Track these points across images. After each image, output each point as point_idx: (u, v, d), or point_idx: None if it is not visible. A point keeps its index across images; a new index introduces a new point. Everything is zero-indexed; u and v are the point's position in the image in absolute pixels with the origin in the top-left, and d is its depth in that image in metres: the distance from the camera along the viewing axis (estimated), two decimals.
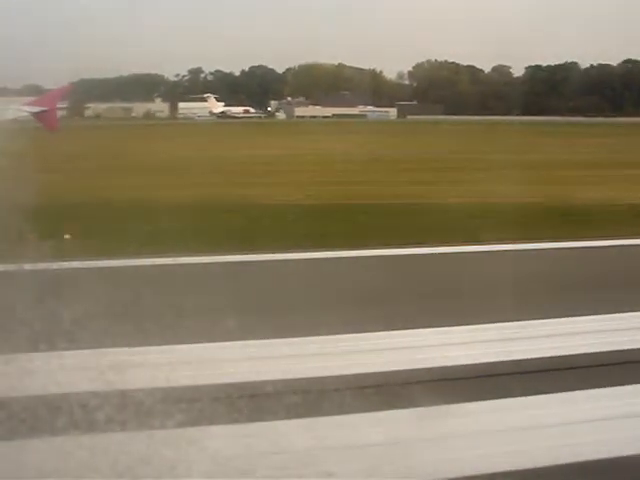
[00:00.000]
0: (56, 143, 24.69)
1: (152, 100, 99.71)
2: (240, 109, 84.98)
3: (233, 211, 12.80)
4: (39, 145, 21.11)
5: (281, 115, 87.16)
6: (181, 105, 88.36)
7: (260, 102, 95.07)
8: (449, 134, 43.93)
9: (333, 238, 10.11)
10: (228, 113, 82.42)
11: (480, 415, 4.28)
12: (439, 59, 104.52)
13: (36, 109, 14.96)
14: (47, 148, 22.63)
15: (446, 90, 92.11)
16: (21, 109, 15.56)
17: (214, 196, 15.16)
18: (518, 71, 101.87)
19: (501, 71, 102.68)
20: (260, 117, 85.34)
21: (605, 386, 4.65)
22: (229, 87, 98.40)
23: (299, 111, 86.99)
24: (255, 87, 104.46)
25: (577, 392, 4.55)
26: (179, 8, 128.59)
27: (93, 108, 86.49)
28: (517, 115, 79.73)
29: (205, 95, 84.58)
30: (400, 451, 3.80)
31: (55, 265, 7.31)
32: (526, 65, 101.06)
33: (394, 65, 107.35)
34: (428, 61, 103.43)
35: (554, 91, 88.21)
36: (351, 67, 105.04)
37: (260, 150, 29.46)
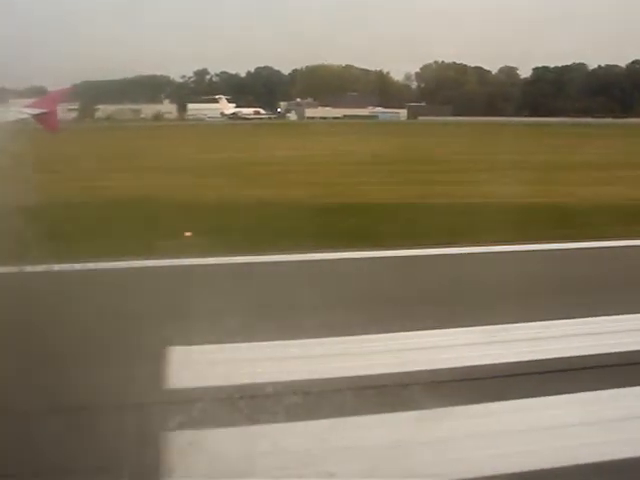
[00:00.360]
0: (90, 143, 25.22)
1: (160, 101, 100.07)
2: (251, 110, 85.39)
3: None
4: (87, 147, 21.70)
5: (292, 116, 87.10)
6: (190, 106, 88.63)
7: (267, 103, 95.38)
8: (464, 135, 43.95)
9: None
10: (239, 114, 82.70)
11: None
12: (446, 60, 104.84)
13: (36, 111, 15.26)
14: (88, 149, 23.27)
15: (454, 91, 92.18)
16: (22, 111, 15.90)
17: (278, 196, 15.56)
18: (525, 72, 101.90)
19: (508, 72, 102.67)
20: (270, 118, 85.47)
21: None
22: (235, 88, 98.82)
23: (309, 112, 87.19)
24: (261, 88, 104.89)
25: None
26: (181, 8, 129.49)
27: (102, 109, 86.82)
28: (526, 116, 79.70)
29: (217, 96, 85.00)
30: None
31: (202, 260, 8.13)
32: (533, 66, 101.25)
33: (400, 66, 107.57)
34: (435, 62, 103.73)
35: (562, 92, 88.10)
36: (358, 68, 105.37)
37: (285, 151, 29.50)
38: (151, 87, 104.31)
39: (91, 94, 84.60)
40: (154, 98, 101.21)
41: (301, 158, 26.68)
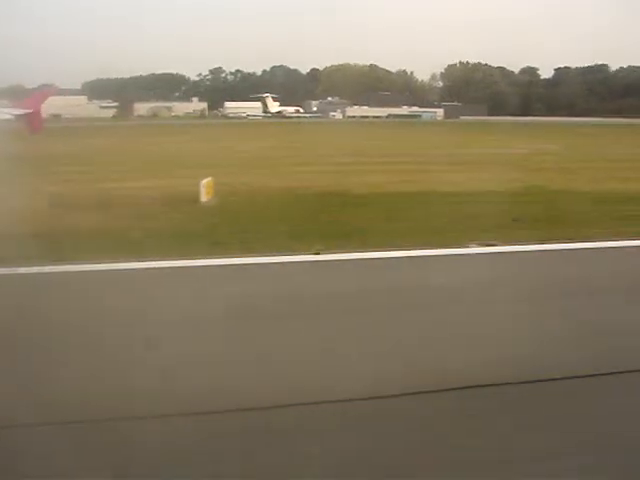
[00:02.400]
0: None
1: (187, 99, 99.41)
2: (292, 109, 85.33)
3: None
4: None
5: (338, 115, 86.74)
6: (227, 104, 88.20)
7: (287, 102, 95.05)
8: (567, 134, 44.17)
9: None
10: (283, 113, 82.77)
11: None
12: (470, 60, 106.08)
13: (20, 111, 15.23)
14: None
15: (484, 91, 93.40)
16: (5, 111, 15.87)
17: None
18: (545, 73, 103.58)
19: (530, 73, 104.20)
20: (306, 117, 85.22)
21: None
22: (251, 87, 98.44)
23: (350, 111, 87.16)
24: (278, 87, 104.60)
25: None
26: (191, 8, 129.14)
27: (136, 107, 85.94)
28: (563, 116, 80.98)
29: (264, 95, 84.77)
30: None
31: None
32: (555, 67, 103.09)
33: (422, 66, 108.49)
34: (460, 62, 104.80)
35: (592, 93, 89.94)
36: (381, 68, 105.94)
37: (477, 149, 29.16)
38: (167, 85, 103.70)
39: (125, 92, 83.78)
40: (170, 96, 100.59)
41: (522, 156, 27.02)
